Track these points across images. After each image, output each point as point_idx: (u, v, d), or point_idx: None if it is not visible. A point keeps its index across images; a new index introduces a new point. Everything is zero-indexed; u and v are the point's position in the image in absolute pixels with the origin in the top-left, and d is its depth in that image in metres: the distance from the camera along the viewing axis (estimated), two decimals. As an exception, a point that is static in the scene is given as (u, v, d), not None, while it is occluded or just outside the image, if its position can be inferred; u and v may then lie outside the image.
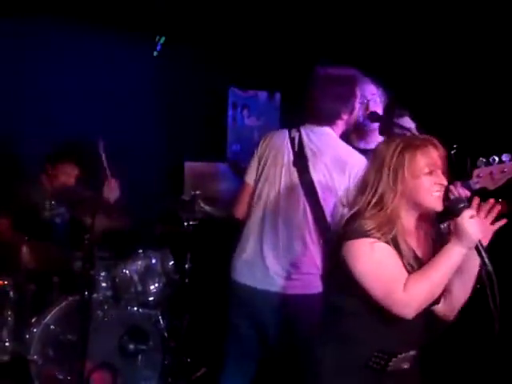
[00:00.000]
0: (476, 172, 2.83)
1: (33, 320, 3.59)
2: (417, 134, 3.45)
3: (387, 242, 2.06)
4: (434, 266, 2.04)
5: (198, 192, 4.18)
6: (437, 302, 2.16)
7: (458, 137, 2.75)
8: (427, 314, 2.17)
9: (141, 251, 3.98)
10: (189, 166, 5.33)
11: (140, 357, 3.74)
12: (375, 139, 3.16)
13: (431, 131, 3.55)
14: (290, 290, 2.92)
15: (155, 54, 5.17)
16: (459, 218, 2.01)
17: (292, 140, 3.01)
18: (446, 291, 2.18)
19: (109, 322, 3.67)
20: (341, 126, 3.01)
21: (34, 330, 3.55)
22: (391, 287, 2.01)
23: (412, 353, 2.16)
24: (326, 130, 2.99)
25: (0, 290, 3.57)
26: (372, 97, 3.23)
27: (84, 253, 3.58)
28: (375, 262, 2.04)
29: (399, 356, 2.12)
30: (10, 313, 3.56)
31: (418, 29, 4.58)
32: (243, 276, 3.02)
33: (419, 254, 2.14)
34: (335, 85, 2.96)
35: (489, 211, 2.10)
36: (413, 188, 2.07)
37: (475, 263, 2.11)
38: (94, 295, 3.65)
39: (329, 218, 2.88)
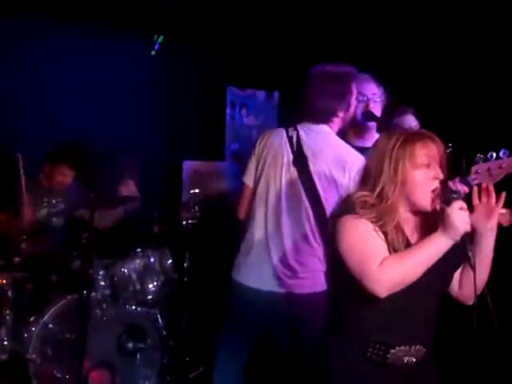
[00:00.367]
0: (474, 168, 2.84)
1: (31, 319, 3.60)
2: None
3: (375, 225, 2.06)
4: (415, 251, 2.03)
5: (196, 191, 4.19)
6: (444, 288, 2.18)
7: (453, 135, 2.75)
8: (430, 309, 2.17)
9: (139, 250, 3.98)
10: (187, 164, 5.33)
11: (138, 355, 3.74)
12: (373, 137, 3.16)
13: (427, 129, 3.57)
14: (297, 289, 2.93)
15: (153, 53, 5.17)
16: (449, 208, 2.00)
17: (290, 139, 3.01)
18: (463, 274, 2.20)
19: (107, 320, 3.68)
20: (337, 123, 3.01)
21: (33, 329, 3.55)
22: (366, 260, 2.01)
23: (417, 347, 2.14)
24: (324, 128, 2.99)
25: (-2, 289, 3.58)
26: (372, 96, 3.23)
27: (82, 251, 3.58)
28: (355, 236, 2.05)
29: (397, 348, 2.11)
30: (8, 312, 3.57)
31: (415, 28, 4.58)
32: (248, 278, 3.02)
33: (413, 241, 2.13)
34: (331, 82, 2.96)
35: (488, 194, 2.12)
36: (411, 181, 2.08)
37: (490, 240, 2.13)
38: (93, 294, 3.65)
39: None
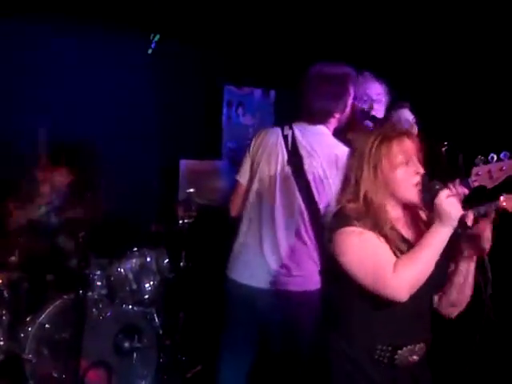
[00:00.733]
0: (474, 170, 2.83)
1: (27, 319, 3.59)
2: (413, 126, 3.46)
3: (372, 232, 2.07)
4: (421, 248, 2.05)
5: (192, 190, 4.19)
6: (437, 291, 2.18)
7: (449, 133, 2.76)
8: (428, 307, 2.19)
9: (136, 249, 3.98)
10: (184, 163, 5.33)
11: (135, 355, 3.74)
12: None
13: (424, 128, 3.57)
14: (291, 286, 2.93)
15: (150, 51, 5.16)
16: (436, 200, 2.04)
17: (285, 138, 3.01)
18: (443, 292, 2.21)
19: (104, 320, 3.67)
20: (333, 123, 3.02)
21: (29, 329, 3.54)
22: (380, 272, 2.02)
23: (420, 345, 2.16)
24: (320, 128, 2.99)
25: (-6, 289, 3.58)
26: (377, 97, 3.21)
27: (79, 251, 3.58)
28: (361, 249, 2.05)
29: (405, 348, 2.12)
30: (4, 312, 3.55)
31: (412, 25, 4.57)
32: (243, 276, 3.03)
33: (408, 237, 2.15)
34: (329, 83, 2.96)
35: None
36: (392, 179, 2.10)
37: (469, 270, 2.15)
38: (89, 293, 3.65)
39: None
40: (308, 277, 2.92)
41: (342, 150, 2.94)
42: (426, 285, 2.08)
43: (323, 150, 2.94)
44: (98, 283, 3.80)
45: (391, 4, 4.55)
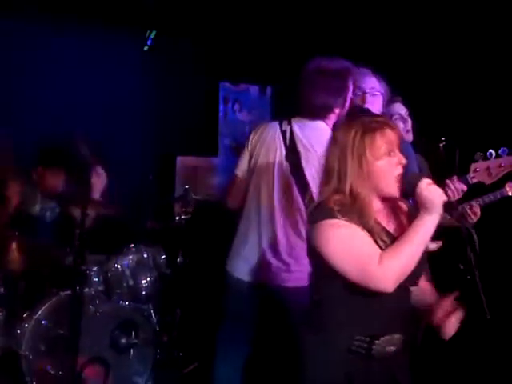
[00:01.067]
0: (473, 166, 2.84)
1: (24, 315, 3.58)
2: (407, 119, 3.46)
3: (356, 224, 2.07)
4: (407, 237, 2.05)
5: (187, 187, 4.19)
6: (415, 283, 2.18)
7: (447, 128, 2.76)
8: (407, 298, 2.19)
9: (132, 246, 3.98)
10: (181, 160, 5.32)
11: (132, 351, 3.73)
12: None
13: (421, 123, 3.58)
14: (290, 282, 2.94)
15: (146, 48, 5.16)
16: (418, 189, 2.05)
17: (283, 133, 3.00)
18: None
19: (101, 316, 3.67)
20: (333, 119, 3.01)
21: (26, 326, 3.53)
22: (365, 263, 2.01)
23: (397, 336, 2.15)
24: (319, 124, 2.98)
25: (-9, 286, 3.57)
26: (370, 90, 3.16)
27: (75, 248, 3.57)
28: (345, 241, 2.04)
29: (382, 338, 2.11)
30: (0, 308, 3.55)
31: (408, 19, 4.58)
32: (241, 271, 3.03)
33: (391, 230, 2.15)
34: (328, 78, 2.94)
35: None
36: (375, 171, 2.09)
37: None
38: (86, 290, 3.65)
39: None
40: (307, 272, 2.91)
41: None
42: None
43: (321, 145, 2.93)
44: (95, 279, 3.80)
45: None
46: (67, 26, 4.70)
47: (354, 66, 3.03)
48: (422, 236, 2.05)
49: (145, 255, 3.96)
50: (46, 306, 3.60)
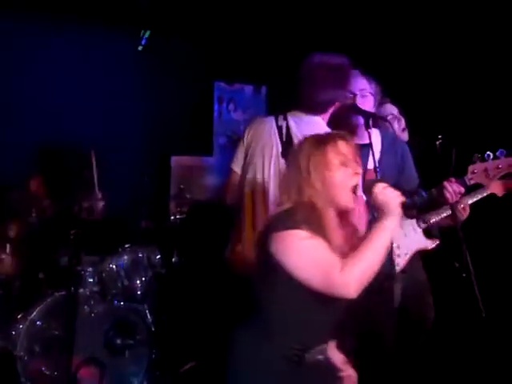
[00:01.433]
0: (471, 168, 2.84)
1: (19, 316, 3.57)
2: (401, 118, 3.45)
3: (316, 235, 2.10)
4: (368, 244, 2.08)
5: (182, 186, 4.19)
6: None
7: (443, 127, 2.76)
8: (339, 307, 2.21)
9: (127, 246, 3.97)
10: (176, 159, 5.32)
11: (127, 351, 3.73)
12: (362, 134, 3.15)
13: (418, 122, 3.58)
14: None
15: (140, 48, 5.15)
16: (373, 194, 2.11)
17: (279, 129, 2.99)
18: None
19: (96, 317, 3.66)
20: (329, 113, 3.00)
21: (21, 326, 3.53)
22: (327, 271, 2.04)
23: (325, 346, 2.22)
24: (315, 118, 2.97)
25: (-15, 287, 3.56)
26: (361, 92, 3.13)
27: (70, 248, 3.56)
28: (308, 252, 2.07)
29: (316, 348, 2.17)
30: (-5, 309, 3.55)
31: (402, 18, 4.58)
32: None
33: (345, 250, 2.16)
34: (330, 73, 2.92)
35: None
36: (332, 184, 2.14)
37: None
38: (81, 290, 3.64)
39: None
40: None
41: None
42: None
43: None
44: (90, 280, 3.79)
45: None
46: (61, 27, 4.69)
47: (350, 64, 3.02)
48: (381, 240, 2.08)
49: (140, 255, 3.96)
50: (41, 306, 3.59)
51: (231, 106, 5.66)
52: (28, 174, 4.20)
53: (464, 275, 2.37)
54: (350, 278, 2.02)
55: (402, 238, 3.09)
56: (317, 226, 2.09)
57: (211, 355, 3.20)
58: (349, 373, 2.33)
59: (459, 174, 2.84)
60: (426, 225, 3.17)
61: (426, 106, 4.30)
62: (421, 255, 3.14)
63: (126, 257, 3.92)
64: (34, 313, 3.57)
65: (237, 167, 3.09)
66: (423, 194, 2.93)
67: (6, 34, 4.57)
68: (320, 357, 2.19)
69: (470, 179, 2.84)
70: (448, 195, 2.83)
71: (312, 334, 2.17)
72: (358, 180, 2.16)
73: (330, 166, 2.14)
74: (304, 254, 2.07)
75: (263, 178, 2.97)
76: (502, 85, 4.13)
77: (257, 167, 2.99)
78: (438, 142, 2.73)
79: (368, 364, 2.70)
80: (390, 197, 2.09)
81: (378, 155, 2.97)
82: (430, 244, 3.17)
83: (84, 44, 4.87)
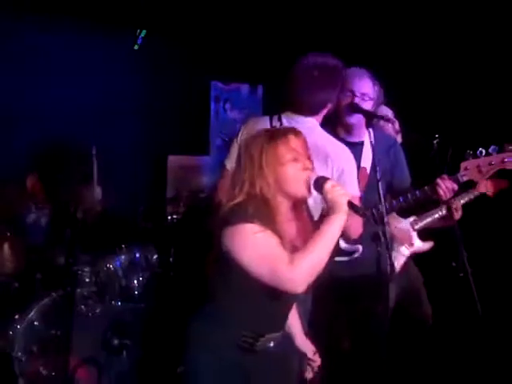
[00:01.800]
0: (463, 165, 2.84)
1: (16, 316, 3.56)
2: (395, 120, 3.46)
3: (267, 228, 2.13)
4: (316, 238, 2.12)
5: (181, 185, 4.19)
6: None
7: (440, 126, 2.76)
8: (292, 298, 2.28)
9: (124, 246, 3.97)
10: (172, 159, 5.32)
11: (125, 351, 3.72)
12: (362, 133, 3.15)
13: (414, 121, 3.58)
14: None
15: (136, 47, 5.15)
16: (323, 192, 2.17)
17: None
18: None
19: (93, 317, 3.65)
20: (322, 115, 3.00)
21: (18, 327, 3.52)
22: (276, 265, 2.08)
23: (278, 334, 2.28)
24: (309, 120, 2.97)
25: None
26: (361, 96, 3.12)
27: (67, 248, 3.56)
28: (259, 246, 2.11)
29: (267, 336, 2.22)
30: (-8, 309, 3.54)
31: (399, 17, 4.59)
32: None
33: (298, 243, 2.21)
34: (324, 74, 2.93)
35: None
36: (281, 177, 2.19)
37: None
38: (78, 290, 3.64)
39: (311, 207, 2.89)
40: None
41: (332, 144, 2.94)
42: None
43: (311, 141, 2.92)
44: (87, 280, 3.78)
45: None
46: (58, 26, 4.68)
47: (342, 63, 3.02)
48: (329, 236, 2.12)
49: (137, 255, 3.96)
50: (38, 307, 3.58)
51: (228, 106, 5.67)
52: (25, 172, 4.19)
53: (461, 275, 2.38)
54: (296, 273, 2.07)
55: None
56: (268, 220, 2.12)
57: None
58: (317, 363, 2.46)
59: (455, 173, 2.85)
60: (420, 226, 3.20)
61: (423, 105, 4.31)
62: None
63: (123, 257, 3.93)
64: (32, 313, 3.55)
65: (230, 165, 3.09)
66: (416, 192, 2.94)
67: (5, 33, 4.57)
68: (271, 344, 2.24)
69: (463, 176, 2.85)
70: (441, 192, 2.84)
71: (264, 323, 2.23)
72: (309, 175, 2.21)
73: (281, 160, 2.18)
74: (254, 249, 2.11)
75: None
76: (495, 83, 4.14)
77: None
78: (435, 141, 2.74)
79: (363, 364, 2.71)
80: (339, 194, 2.14)
81: (371, 155, 2.97)
82: (423, 246, 3.20)
83: (79, 43, 4.86)
